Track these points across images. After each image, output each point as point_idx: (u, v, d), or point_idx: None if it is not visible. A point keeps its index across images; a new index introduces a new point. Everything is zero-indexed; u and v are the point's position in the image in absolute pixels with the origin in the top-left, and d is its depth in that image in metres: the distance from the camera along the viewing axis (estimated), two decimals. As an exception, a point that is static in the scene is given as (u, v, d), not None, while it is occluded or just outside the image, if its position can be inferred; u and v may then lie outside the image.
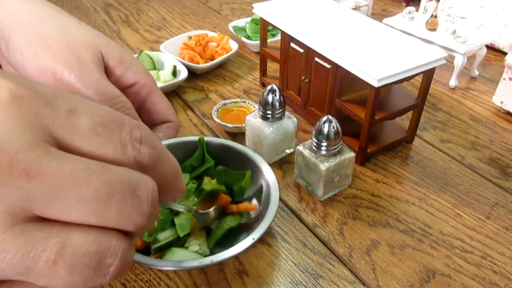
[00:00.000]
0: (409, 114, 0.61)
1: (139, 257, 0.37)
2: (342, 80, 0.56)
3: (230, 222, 0.44)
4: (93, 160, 0.18)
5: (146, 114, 0.44)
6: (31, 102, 0.17)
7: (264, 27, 0.70)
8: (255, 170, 0.48)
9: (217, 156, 0.50)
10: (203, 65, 0.77)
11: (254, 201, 0.47)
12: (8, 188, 0.16)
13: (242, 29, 0.90)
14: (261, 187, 0.47)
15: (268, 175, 0.46)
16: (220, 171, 0.49)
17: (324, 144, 0.49)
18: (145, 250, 0.42)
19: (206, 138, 0.51)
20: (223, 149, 0.50)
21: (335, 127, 0.48)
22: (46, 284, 0.16)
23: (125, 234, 0.18)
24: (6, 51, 0.36)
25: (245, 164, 0.49)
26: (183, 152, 0.50)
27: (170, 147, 0.46)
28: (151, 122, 0.45)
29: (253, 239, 0.38)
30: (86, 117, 0.19)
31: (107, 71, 0.39)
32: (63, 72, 0.35)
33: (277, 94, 0.54)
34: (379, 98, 0.53)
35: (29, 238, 0.16)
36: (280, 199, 0.49)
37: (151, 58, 0.76)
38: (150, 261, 0.38)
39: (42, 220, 0.17)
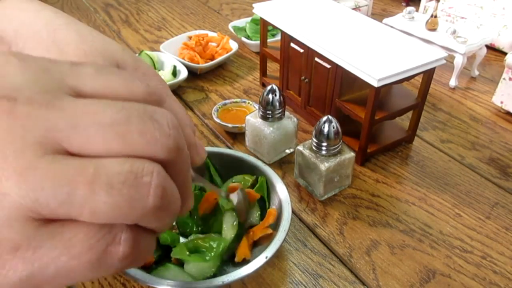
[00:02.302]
0: (409, 114, 0.61)
1: (144, 276, 0.37)
2: (342, 80, 0.56)
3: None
4: (104, 99, 0.18)
5: None
6: (37, 61, 0.19)
7: (264, 27, 0.70)
8: (269, 187, 0.47)
9: (228, 169, 0.49)
10: (203, 65, 0.77)
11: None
12: (32, 120, 0.16)
13: (242, 29, 0.90)
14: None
15: (281, 191, 0.45)
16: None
17: (324, 144, 0.49)
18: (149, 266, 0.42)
19: (216, 149, 0.50)
20: (234, 161, 0.49)
21: (335, 127, 0.48)
22: (90, 213, 0.16)
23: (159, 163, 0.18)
24: None
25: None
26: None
27: None
28: None
29: (266, 257, 0.38)
30: (87, 65, 0.20)
31: None
32: None
33: (277, 94, 0.54)
34: (379, 98, 0.53)
35: (63, 166, 0.16)
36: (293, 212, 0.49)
37: (151, 58, 0.76)
38: (157, 281, 0.37)
39: (71, 154, 0.17)
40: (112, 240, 0.17)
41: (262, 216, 0.46)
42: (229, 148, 0.61)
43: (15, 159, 0.15)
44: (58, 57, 0.36)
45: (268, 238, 0.44)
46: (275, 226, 0.43)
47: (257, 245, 0.45)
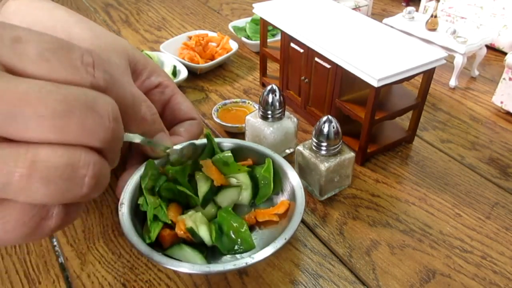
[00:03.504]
0: (409, 114, 0.61)
1: (165, 260, 0.37)
2: (342, 80, 0.56)
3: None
4: (46, 81, 0.18)
5: (170, 112, 0.46)
6: None
7: (264, 27, 0.70)
8: (279, 173, 0.48)
9: (237, 158, 0.49)
10: (203, 65, 0.77)
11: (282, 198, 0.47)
12: None
13: (242, 29, 0.90)
14: (284, 188, 0.47)
15: (293, 177, 0.46)
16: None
17: (324, 144, 0.49)
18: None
19: (221, 139, 0.51)
20: (243, 150, 0.50)
21: (335, 127, 0.48)
22: (26, 199, 0.17)
23: (95, 151, 0.19)
24: None
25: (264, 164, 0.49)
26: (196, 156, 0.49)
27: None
28: (175, 120, 0.47)
29: (285, 239, 0.38)
30: (32, 44, 0.18)
31: (135, 74, 0.42)
32: None
33: (277, 94, 0.54)
34: (379, 98, 0.53)
35: None
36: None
37: (151, 58, 0.76)
38: (177, 264, 0.37)
39: (8, 141, 0.17)
40: (45, 215, 0.18)
41: (254, 195, 0.47)
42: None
43: None
44: None
45: (271, 226, 0.45)
46: (285, 215, 0.44)
47: (257, 228, 0.45)
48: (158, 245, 0.40)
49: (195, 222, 0.41)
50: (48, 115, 0.17)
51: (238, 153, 0.50)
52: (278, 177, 0.48)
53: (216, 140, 0.50)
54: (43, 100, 0.17)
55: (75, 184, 0.17)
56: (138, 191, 0.42)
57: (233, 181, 0.47)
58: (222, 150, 0.49)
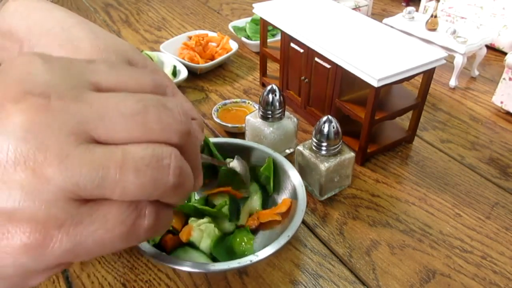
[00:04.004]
0: (409, 114, 0.61)
1: (167, 258, 0.37)
2: (342, 80, 0.56)
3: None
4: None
5: None
6: (57, 60, 0.21)
7: (264, 27, 0.70)
8: (279, 172, 0.48)
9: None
10: (203, 65, 0.77)
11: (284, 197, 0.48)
12: (66, 114, 0.19)
13: (242, 29, 0.90)
14: (286, 186, 0.48)
15: (294, 176, 0.46)
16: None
17: (324, 144, 0.49)
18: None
19: (225, 140, 0.51)
20: (244, 150, 0.50)
21: (335, 127, 0.48)
22: (121, 193, 0.19)
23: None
24: None
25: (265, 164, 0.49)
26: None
27: None
28: None
29: (288, 236, 0.39)
30: (99, 62, 0.22)
31: None
32: None
33: (277, 94, 0.54)
34: (379, 98, 0.53)
35: (95, 153, 0.18)
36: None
37: (151, 58, 0.76)
38: (182, 263, 0.37)
39: (100, 142, 0.19)
40: (139, 214, 0.20)
41: (264, 202, 0.48)
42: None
43: (55, 149, 0.18)
44: (73, 53, 0.37)
45: (272, 226, 0.45)
46: (287, 214, 0.45)
47: (260, 230, 0.46)
48: (160, 249, 0.40)
49: (202, 233, 0.42)
50: (129, 113, 0.19)
51: (238, 153, 0.50)
52: (279, 176, 0.48)
53: (216, 140, 0.51)
54: (122, 101, 0.20)
55: (162, 173, 0.19)
56: None
57: (242, 190, 0.48)
58: (219, 152, 0.49)
